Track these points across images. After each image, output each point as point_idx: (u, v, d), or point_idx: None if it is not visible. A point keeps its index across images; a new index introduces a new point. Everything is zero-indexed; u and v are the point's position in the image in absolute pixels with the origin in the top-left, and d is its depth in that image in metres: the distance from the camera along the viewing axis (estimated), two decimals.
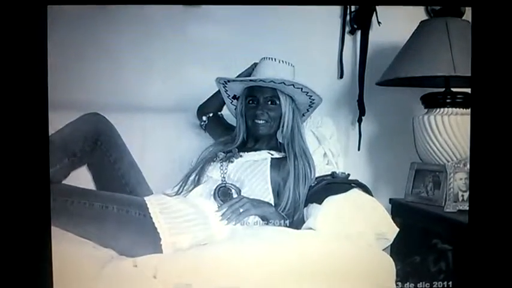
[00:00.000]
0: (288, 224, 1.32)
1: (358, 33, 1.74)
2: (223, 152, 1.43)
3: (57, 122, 1.29)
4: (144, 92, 1.62)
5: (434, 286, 1.24)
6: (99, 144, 1.37)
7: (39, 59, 1.21)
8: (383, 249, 1.28)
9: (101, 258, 1.16)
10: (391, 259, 1.23)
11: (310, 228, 1.27)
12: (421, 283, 1.24)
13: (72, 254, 1.17)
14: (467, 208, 1.27)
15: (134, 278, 1.13)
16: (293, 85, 1.38)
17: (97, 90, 1.57)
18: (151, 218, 1.20)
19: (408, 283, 1.24)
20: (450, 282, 1.24)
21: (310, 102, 1.45)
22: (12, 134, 1.18)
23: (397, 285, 1.22)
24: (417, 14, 1.64)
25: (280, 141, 1.44)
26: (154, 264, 1.13)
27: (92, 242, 1.19)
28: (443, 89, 1.57)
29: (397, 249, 1.32)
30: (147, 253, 1.16)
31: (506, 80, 1.20)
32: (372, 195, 1.37)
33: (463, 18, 1.57)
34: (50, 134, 1.23)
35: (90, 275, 1.14)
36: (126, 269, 1.14)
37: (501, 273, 1.18)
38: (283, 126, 1.43)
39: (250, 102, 1.43)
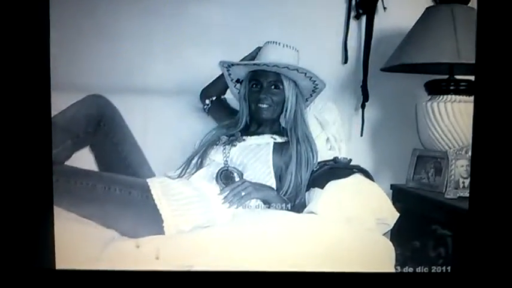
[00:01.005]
0: (289, 208, 1.33)
1: (363, 18, 1.73)
2: (226, 136, 1.43)
3: (60, 103, 1.30)
4: (147, 74, 1.62)
5: (433, 271, 1.25)
6: (102, 126, 1.38)
7: (41, 40, 1.21)
8: (383, 234, 1.29)
9: (103, 239, 1.18)
10: (391, 244, 1.24)
11: (312, 212, 1.28)
12: (420, 268, 1.25)
13: (75, 234, 1.18)
14: (468, 195, 1.28)
15: (137, 258, 1.15)
16: (297, 70, 1.38)
17: (100, 72, 1.57)
18: (153, 199, 1.21)
19: (407, 267, 1.25)
20: (449, 267, 1.25)
21: (314, 87, 1.45)
22: (15, 115, 1.19)
23: (396, 269, 1.23)
24: (423, 0, 1.63)
25: (283, 125, 1.44)
26: (156, 246, 1.15)
27: (95, 223, 1.21)
28: (447, 76, 1.57)
29: (397, 234, 1.33)
30: (150, 234, 1.17)
31: (511, 68, 1.20)
32: (373, 181, 1.38)
33: (469, 5, 1.56)
34: (52, 115, 1.24)
35: (93, 255, 1.15)
36: (129, 249, 1.15)
37: (499, 259, 1.19)
38: (286, 111, 1.43)
39: (254, 86, 1.43)
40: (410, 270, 1.25)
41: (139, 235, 1.17)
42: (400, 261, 1.24)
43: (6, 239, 1.18)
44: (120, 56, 1.60)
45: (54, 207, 1.20)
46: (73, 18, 1.57)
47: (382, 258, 1.22)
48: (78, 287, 1.19)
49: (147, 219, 1.20)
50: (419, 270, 1.25)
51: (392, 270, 1.22)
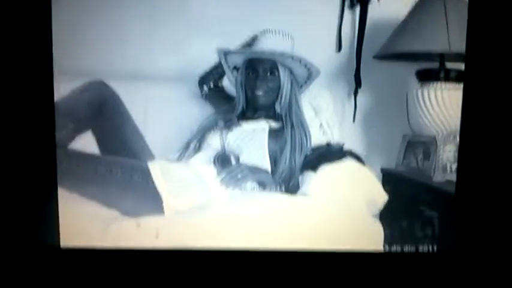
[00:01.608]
0: (283, 190, 1.38)
1: (358, 8, 1.75)
2: (223, 121, 1.47)
3: (62, 88, 1.33)
4: (147, 61, 1.64)
5: (419, 250, 1.31)
6: (103, 111, 1.42)
7: (44, 27, 1.24)
8: (373, 215, 1.34)
9: (105, 218, 1.22)
10: (380, 224, 1.29)
11: (305, 194, 1.32)
12: (407, 247, 1.31)
13: (79, 214, 1.23)
14: (455, 178, 1.33)
15: (137, 237, 1.20)
16: (292, 57, 1.41)
17: (101, 58, 1.59)
18: (153, 181, 1.25)
19: (395, 246, 1.30)
20: (435, 247, 1.31)
21: (308, 74, 1.48)
22: (19, 100, 1.23)
23: (384, 248, 1.28)
24: None
25: (278, 111, 1.48)
26: (156, 225, 1.20)
27: (97, 203, 1.25)
28: (438, 65, 1.60)
29: (386, 215, 1.36)
30: (150, 214, 1.21)
31: (499, 58, 1.24)
32: (364, 165, 1.43)
33: None
34: (55, 100, 1.28)
35: (95, 233, 1.20)
36: (130, 228, 1.19)
37: (483, 240, 1.25)
38: (281, 97, 1.47)
39: (250, 73, 1.46)
40: (398, 249, 1.30)
41: (139, 215, 1.21)
42: (388, 240, 1.29)
43: (13, 219, 1.23)
44: (121, 43, 1.61)
45: (58, 188, 1.25)
46: (76, 6, 1.59)
47: (371, 238, 1.28)
48: (82, 264, 1.24)
49: (148, 200, 1.24)
50: (407, 250, 1.31)
51: (381, 249, 1.28)
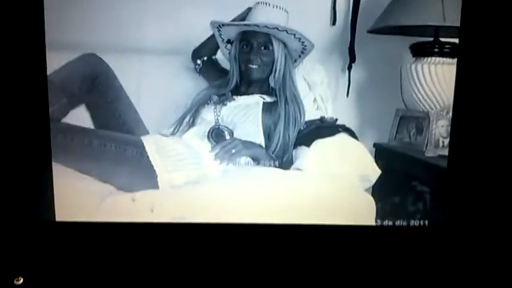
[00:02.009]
0: (277, 165, 1.38)
1: None
2: (217, 95, 1.47)
3: (55, 62, 1.32)
4: (140, 34, 1.62)
5: (411, 225, 1.33)
6: (96, 85, 1.41)
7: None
8: (365, 190, 1.36)
9: (100, 193, 1.23)
10: (372, 199, 1.31)
11: (298, 169, 1.34)
12: (399, 221, 1.33)
13: (74, 188, 1.24)
14: (447, 153, 1.34)
15: (132, 211, 1.21)
16: (286, 31, 1.40)
17: (94, 31, 1.57)
18: (147, 156, 1.26)
19: (387, 221, 1.32)
20: (426, 222, 1.33)
21: (303, 48, 1.47)
22: (12, 73, 1.22)
23: (376, 222, 1.30)
24: None
25: (272, 85, 1.47)
26: (151, 199, 1.21)
27: (92, 178, 1.26)
28: (432, 38, 1.60)
29: (378, 190, 1.38)
30: (144, 189, 1.23)
31: (493, 33, 1.24)
32: (357, 140, 1.44)
33: None
34: (48, 73, 1.27)
35: (91, 208, 1.21)
36: (125, 203, 1.21)
37: (474, 214, 1.27)
38: (275, 71, 1.46)
39: (244, 46, 1.45)
40: (390, 223, 1.32)
41: (134, 189, 1.23)
42: (380, 215, 1.31)
43: (8, 193, 1.24)
44: (114, 15, 1.59)
45: (53, 163, 1.25)
46: None
47: (363, 212, 1.30)
48: (77, 238, 1.26)
49: (142, 174, 1.25)
50: (398, 224, 1.33)
51: (373, 223, 1.30)
